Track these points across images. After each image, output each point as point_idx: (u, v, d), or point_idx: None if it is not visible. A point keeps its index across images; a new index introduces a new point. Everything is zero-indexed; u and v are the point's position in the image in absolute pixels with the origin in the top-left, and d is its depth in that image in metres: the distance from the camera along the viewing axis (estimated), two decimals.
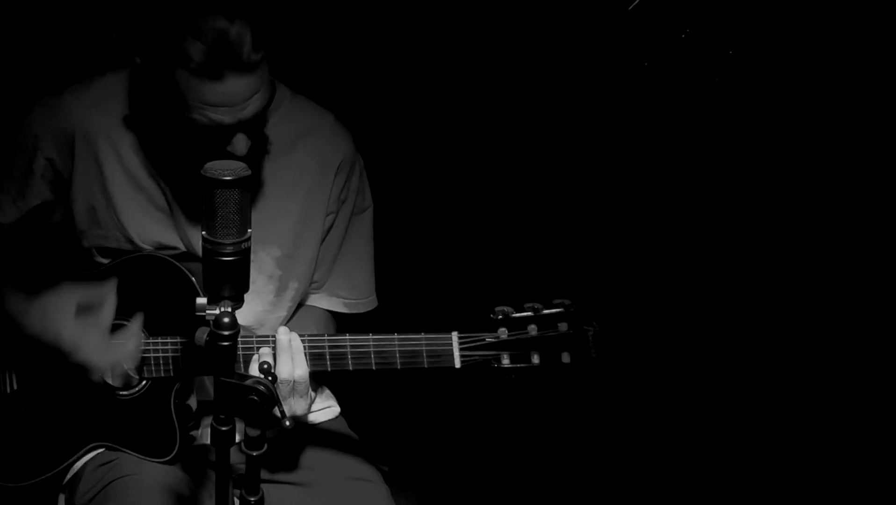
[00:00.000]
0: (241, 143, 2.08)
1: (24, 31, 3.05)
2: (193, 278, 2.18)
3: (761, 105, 3.55)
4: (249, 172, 1.72)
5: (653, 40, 3.09)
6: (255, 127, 2.10)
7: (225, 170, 1.71)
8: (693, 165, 3.76)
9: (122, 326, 2.22)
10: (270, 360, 2.13)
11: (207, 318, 1.72)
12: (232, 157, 2.06)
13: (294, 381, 2.14)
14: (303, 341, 2.16)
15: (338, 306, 2.44)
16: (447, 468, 3.48)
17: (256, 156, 2.16)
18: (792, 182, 3.49)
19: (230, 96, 2.02)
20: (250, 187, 1.73)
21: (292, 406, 2.16)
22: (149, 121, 2.23)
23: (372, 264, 2.47)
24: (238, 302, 1.75)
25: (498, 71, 3.71)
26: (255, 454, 1.77)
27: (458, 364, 2.17)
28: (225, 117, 2.04)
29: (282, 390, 2.14)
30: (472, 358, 2.18)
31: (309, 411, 2.21)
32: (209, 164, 1.72)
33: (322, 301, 2.44)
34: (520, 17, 3.31)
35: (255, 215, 2.26)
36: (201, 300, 1.73)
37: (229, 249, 1.72)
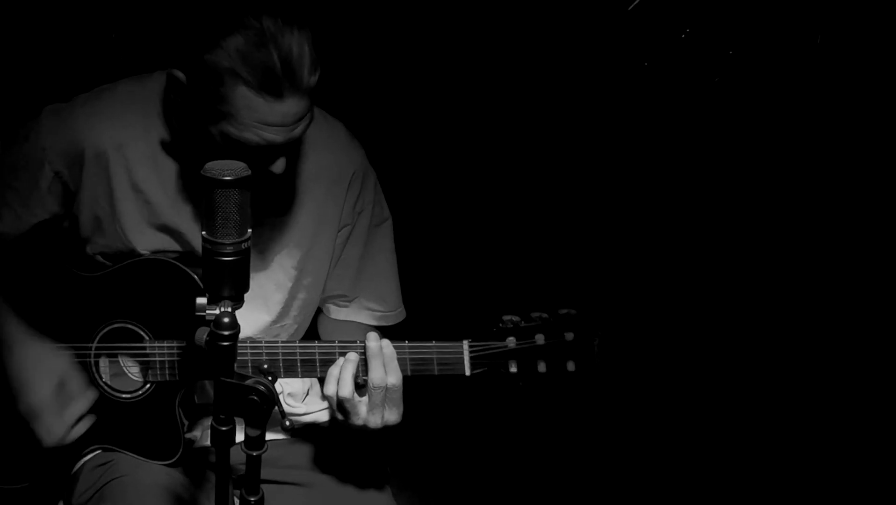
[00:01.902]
0: (281, 162, 2.09)
1: (26, 34, 3.05)
2: (197, 277, 2.18)
3: (761, 105, 3.55)
4: (249, 172, 1.72)
5: (653, 40, 3.09)
6: (297, 147, 2.11)
7: (225, 169, 1.71)
8: (693, 165, 3.76)
9: (134, 333, 2.23)
10: (348, 363, 2.13)
11: (207, 318, 1.73)
12: (270, 173, 2.10)
13: (387, 388, 2.13)
14: (316, 347, 2.16)
15: (369, 319, 2.42)
16: (448, 469, 3.48)
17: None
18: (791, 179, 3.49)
19: (287, 116, 2.02)
20: (250, 187, 1.73)
21: (385, 416, 2.14)
22: (172, 136, 2.21)
23: (397, 276, 2.46)
24: (238, 302, 1.75)
25: (499, 75, 3.71)
26: (255, 454, 1.77)
27: (468, 372, 2.19)
28: (278, 137, 2.03)
29: (374, 398, 2.13)
30: (482, 366, 2.20)
31: (400, 420, 2.19)
32: (209, 164, 1.72)
33: (353, 315, 2.43)
34: (520, 18, 3.31)
35: (266, 226, 2.27)
36: (201, 300, 1.74)
37: (229, 249, 1.72)
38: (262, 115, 2.00)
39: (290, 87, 1.98)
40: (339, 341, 2.18)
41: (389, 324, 2.44)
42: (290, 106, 2.00)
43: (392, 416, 2.15)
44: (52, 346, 2.24)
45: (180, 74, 2.04)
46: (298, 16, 1.99)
